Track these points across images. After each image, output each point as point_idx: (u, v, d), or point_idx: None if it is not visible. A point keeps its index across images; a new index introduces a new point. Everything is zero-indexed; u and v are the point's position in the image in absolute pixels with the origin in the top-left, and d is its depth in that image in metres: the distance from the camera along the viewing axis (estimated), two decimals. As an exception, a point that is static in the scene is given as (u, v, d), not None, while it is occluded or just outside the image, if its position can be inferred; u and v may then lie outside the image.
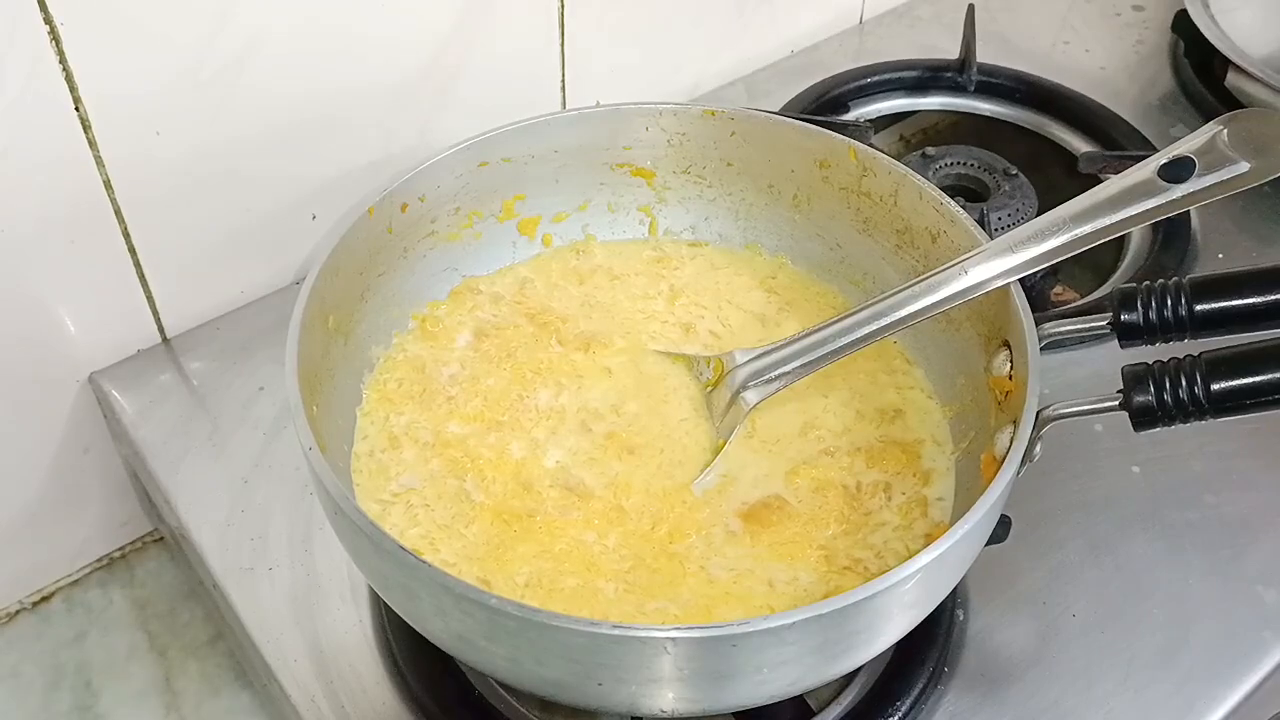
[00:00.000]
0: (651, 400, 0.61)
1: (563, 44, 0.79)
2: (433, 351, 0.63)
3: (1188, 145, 0.54)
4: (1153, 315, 0.52)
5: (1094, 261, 0.79)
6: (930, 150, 0.83)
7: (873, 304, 0.57)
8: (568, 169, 0.67)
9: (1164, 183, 0.53)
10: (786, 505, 0.57)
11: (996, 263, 0.55)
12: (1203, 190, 0.52)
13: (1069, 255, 0.54)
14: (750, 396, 0.59)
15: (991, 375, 0.58)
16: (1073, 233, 0.54)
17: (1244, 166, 0.52)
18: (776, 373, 0.59)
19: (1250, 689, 0.58)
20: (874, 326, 0.57)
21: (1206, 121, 0.88)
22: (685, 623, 0.52)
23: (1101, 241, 0.54)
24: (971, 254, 0.55)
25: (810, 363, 0.58)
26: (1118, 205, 0.53)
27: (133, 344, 0.70)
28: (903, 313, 0.56)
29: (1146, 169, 0.54)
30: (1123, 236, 0.80)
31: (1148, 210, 0.53)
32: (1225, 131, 0.53)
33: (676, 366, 0.63)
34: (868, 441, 0.60)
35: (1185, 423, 0.50)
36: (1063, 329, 0.55)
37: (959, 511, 0.54)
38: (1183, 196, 0.53)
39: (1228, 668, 0.58)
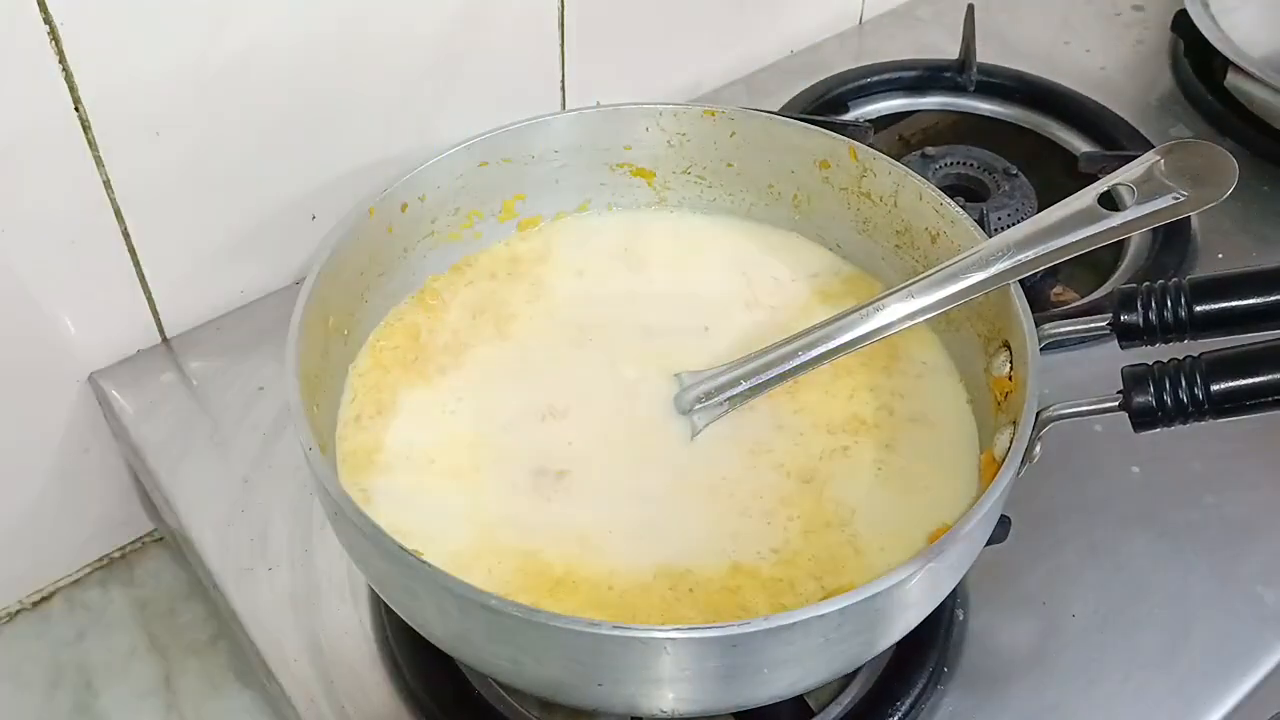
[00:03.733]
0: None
1: (563, 44, 0.79)
2: (427, 320, 0.64)
3: (1126, 175, 0.55)
4: (1152, 316, 0.52)
5: (1094, 262, 0.79)
6: (930, 150, 0.83)
7: (820, 327, 0.57)
8: (568, 169, 0.67)
9: (1104, 210, 0.55)
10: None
11: (945, 288, 0.55)
12: (1140, 219, 0.54)
13: (1011, 280, 0.55)
14: (698, 419, 0.59)
15: (991, 376, 0.58)
16: (1016, 259, 0.55)
17: (1180, 196, 0.53)
18: (723, 396, 0.59)
19: (1250, 689, 0.58)
20: (820, 350, 0.57)
21: (1206, 121, 0.89)
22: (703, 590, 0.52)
23: (1045, 267, 0.55)
24: (916, 279, 0.56)
25: (756, 386, 0.58)
26: (1059, 232, 0.55)
27: (133, 344, 0.70)
28: (853, 334, 0.56)
29: (1087, 197, 0.56)
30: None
31: (1087, 237, 0.54)
32: (1162, 162, 0.55)
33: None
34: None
35: (1185, 424, 0.50)
36: (1063, 329, 0.55)
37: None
38: (1121, 224, 0.54)
39: (1228, 668, 0.58)
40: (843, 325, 0.57)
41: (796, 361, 0.57)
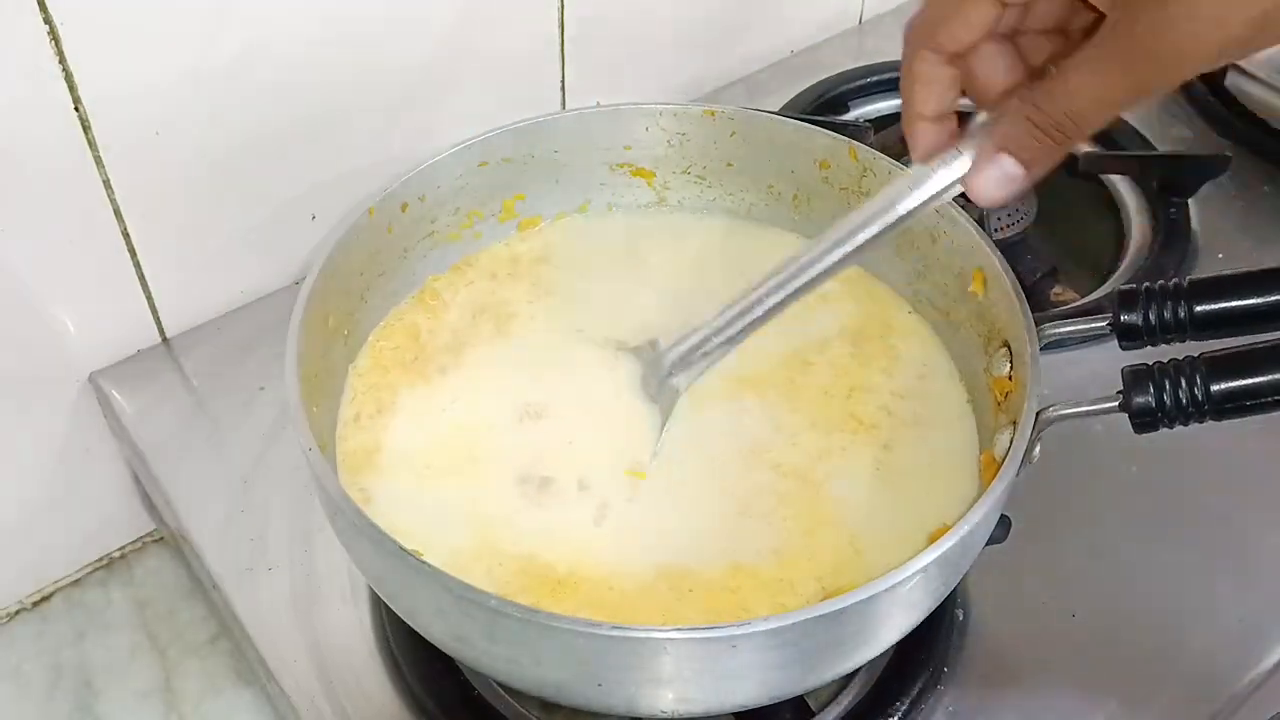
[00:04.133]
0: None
1: (563, 44, 0.79)
2: (427, 321, 0.64)
3: None
4: (1152, 316, 0.52)
5: (1094, 262, 0.79)
6: (930, 150, 0.82)
7: (782, 270, 0.55)
8: (568, 169, 0.67)
9: None
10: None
11: (881, 218, 0.51)
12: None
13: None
14: (679, 381, 0.59)
15: (991, 376, 0.58)
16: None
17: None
18: (700, 353, 0.58)
19: (1250, 689, 0.58)
20: (788, 291, 0.54)
21: (1206, 121, 0.89)
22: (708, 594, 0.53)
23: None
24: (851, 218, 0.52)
25: (730, 338, 0.57)
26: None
27: (133, 344, 0.70)
28: (814, 271, 0.53)
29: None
30: (1122, 236, 0.80)
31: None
32: None
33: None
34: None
35: (1185, 424, 0.50)
36: (1063, 330, 0.55)
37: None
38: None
39: (1228, 668, 0.58)
40: (801, 265, 0.53)
41: (765, 307, 0.55)
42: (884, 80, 0.90)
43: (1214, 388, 0.49)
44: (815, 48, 0.96)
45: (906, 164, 0.67)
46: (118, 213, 0.65)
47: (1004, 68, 0.48)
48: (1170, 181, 0.80)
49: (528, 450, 0.59)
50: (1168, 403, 0.49)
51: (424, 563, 0.46)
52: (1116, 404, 0.51)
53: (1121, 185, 0.83)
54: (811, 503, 0.57)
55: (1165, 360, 0.50)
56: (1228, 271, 0.53)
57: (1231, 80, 0.86)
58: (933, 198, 0.50)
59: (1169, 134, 0.88)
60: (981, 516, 0.48)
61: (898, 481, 0.58)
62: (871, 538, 0.55)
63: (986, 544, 0.52)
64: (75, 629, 0.70)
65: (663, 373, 0.59)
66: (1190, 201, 0.80)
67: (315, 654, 0.58)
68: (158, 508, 0.68)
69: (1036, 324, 0.54)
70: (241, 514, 0.63)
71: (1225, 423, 0.50)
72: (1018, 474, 0.50)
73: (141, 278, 0.68)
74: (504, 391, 0.61)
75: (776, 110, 0.77)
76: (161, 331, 0.71)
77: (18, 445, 0.67)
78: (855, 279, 0.67)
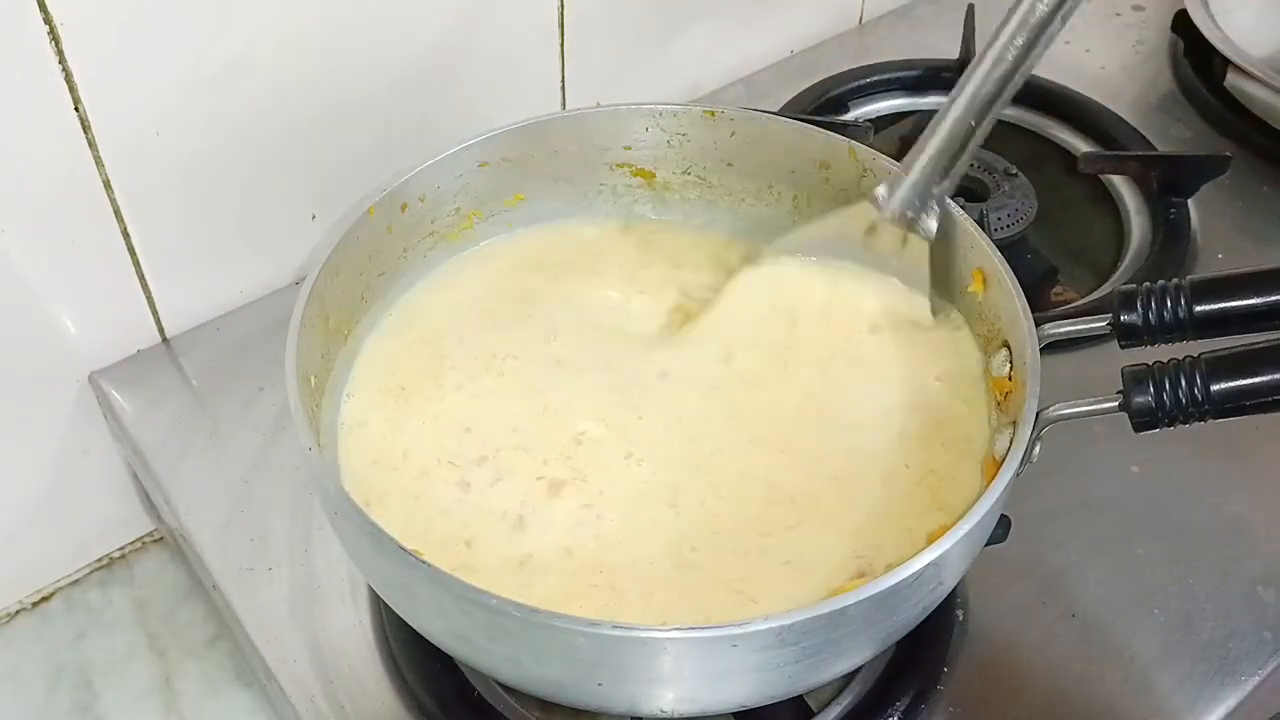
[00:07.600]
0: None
1: (563, 44, 0.79)
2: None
3: None
4: (1152, 316, 0.52)
5: (1094, 262, 0.79)
6: (930, 150, 0.82)
7: (980, 64, 0.57)
8: (568, 169, 0.67)
9: None
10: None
11: None
12: None
13: None
14: (928, 225, 0.58)
15: (991, 376, 0.58)
16: None
17: None
18: (936, 191, 0.58)
19: (1250, 689, 0.58)
20: (994, 84, 0.56)
21: (1206, 121, 0.90)
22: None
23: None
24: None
25: (958, 167, 0.57)
26: None
27: (133, 344, 0.70)
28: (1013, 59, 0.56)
29: None
30: (1122, 236, 0.80)
31: None
32: None
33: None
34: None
35: (1185, 424, 0.50)
36: (1063, 329, 0.55)
37: (959, 512, 0.54)
38: None
39: (1228, 668, 0.58)
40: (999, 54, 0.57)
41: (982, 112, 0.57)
42: (884, 80, 0.90)
43: (1214, 387, 0.49)
44: (815, 48, 0.96)
45: (907, 164, 0.68)
46: (118, 213, 0.65)
47: None
48: (1170, 182, 0.80)
49: (533, 451, 0.58)
50: (1167, 402, 0.49)
51: (424, 563, 0.46)
52: (1116, 404, 0.51)
53: (1121, 185, 0.83)
54: (811, 502, 0.57)
55: (1165, 360, 0.50)
56: (1227, 271, 0.53)
57: (1231, 80, 0.86)
58: None
59: (1169, 134, 0.88)
60: (981, 516, 0.48)
61: (898, 482, 0.58)
62: (871, 537, 0.55)
63: (986, 544, 0.52)
64: (75, 629, 0.70)
65: (899, 218, 0.58)
66: (1190, 202, 0.80)
67: (315, 654, 0.58)
68: (157, 508, 0.68)
69: (1036, 324, 0.54)
70: (241, 514, 0.63)
71: (1225, 422, 0.50)
72: (1018, 474, 0.50)
73: (141, 278, 0.68)
74: (507, 392, 0.61)
75: (776, 110, 0.77)
76: (161, 331, 0.71)
77: (17, 445, 0.67)
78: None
